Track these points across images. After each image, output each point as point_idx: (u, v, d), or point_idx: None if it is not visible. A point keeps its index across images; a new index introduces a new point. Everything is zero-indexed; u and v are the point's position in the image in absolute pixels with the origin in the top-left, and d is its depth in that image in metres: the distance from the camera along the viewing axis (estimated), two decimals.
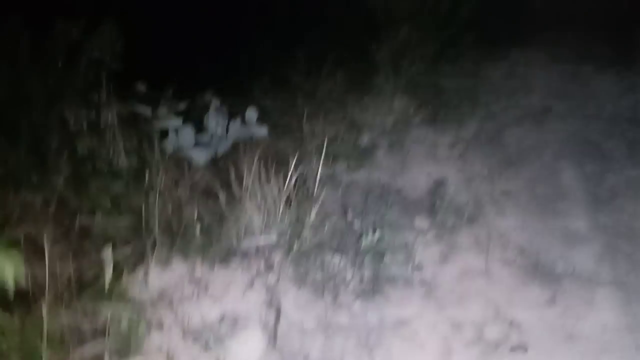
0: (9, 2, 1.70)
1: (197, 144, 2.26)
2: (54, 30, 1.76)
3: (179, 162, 2.24)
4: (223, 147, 2.31)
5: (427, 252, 1.84)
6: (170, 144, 2.18)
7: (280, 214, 1.66)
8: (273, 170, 1.75)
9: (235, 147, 2.42)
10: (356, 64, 3.06)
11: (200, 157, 2.23)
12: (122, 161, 2.01)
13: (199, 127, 2.29)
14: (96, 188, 1.72)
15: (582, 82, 2.96)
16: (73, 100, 1.74)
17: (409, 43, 2.77)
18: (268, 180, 1.70)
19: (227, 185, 1.78)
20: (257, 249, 1.60)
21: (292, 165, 1.75)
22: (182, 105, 2.24)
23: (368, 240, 1.81)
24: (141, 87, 2.40)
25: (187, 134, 2.21)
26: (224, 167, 2.27)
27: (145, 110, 2.03)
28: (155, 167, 2.03)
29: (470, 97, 2.79)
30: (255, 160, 1.76)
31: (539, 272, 1.75)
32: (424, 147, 2.46)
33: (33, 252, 1.51)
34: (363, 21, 2.95)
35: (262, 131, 2.40)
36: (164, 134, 2.19)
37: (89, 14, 1.78)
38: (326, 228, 1.74)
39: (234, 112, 2.70)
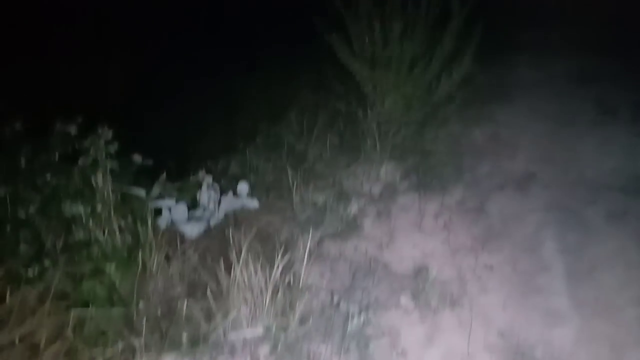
0: (11, 106, 1.81)
1: (189, 218, 2.33)
2: (53, 130, 1.87)
3: (172, 236, 2.31)
4: (215, 220, 2.39)
5: (411, 334, 1.89)
6: (163, 221, 2.26)
7: (267, 305, 1.73)
8: (260, 260, 1.82)
9: (227, 217, 2.51)
10: (345, 128, 3.19)
11: (192, 231, 2.31)
12: (117, 241, 2.08)
13: (192, 203, 2.37)
14: (90, 277, 1.79)
15: (565, 145, 3.06)
16: (70, 191, 1.82)
17: (395, 110, 2.89)
18: (255, 271, 1.77)
19: (215, 276, 1.84)
20: (244, 343, 1.65)
21: (280, 253, 1.83)
22: (176, 185, 2.33)
23: (354, 324, 1.87)
24: (137, 159, 2.48)
25: (180, 210, 2.29)
26: (215, 242, 2.35)
27: (139, 192, 2.12)
28: (148, 246, 2.11)
29: (455, 162, 2.89)
30: (244, 250, 1.82)
31: (519, 356, 1.80)
32: (410, 216, 2.54)
33: (29, 350, 1.57)
34: (352, 88, 3.07)
35: (253, 203, 2.48)
36: (158, 211, 2.27)
37: (86, 112, 1.89)
38: (312, 317, 1.80)
39: (228, 180, 2.80)
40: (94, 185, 1.84)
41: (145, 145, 3.13)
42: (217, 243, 2.33)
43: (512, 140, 3.14)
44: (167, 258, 2.18)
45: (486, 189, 2.70)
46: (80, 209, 1.76)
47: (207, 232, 2.42)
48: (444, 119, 3.10)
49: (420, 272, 2.17)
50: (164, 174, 2.25)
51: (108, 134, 1.88)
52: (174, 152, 3.29)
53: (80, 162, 1.84)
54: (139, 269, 2.06)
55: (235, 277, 1.75)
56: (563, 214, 2.52)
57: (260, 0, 4.60)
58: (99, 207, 1.84)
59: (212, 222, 2.39)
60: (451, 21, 2.74)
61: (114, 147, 1.90)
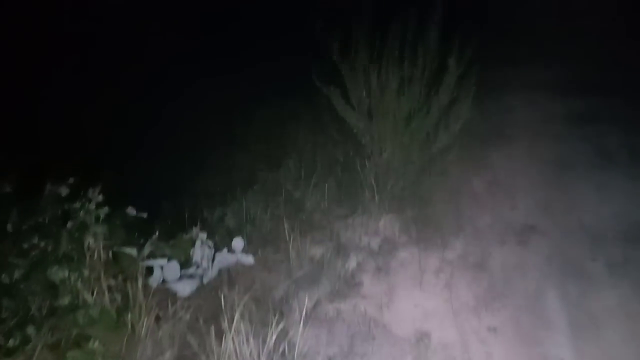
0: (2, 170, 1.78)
1: (182, 276, 2.26)
2: (43, 192, 1.83)
3: (164, 296, 2.23)
4: (208, 277, 2.32)
5: None
6: (155, 280, 2.18)
7: None
8: (254, 326, 1.74)
9: (221, 274, 2.43)
10: (343, 176, 3.16)
11: (185, 290, 2.23)
12: (106, 302, 2.01)
13: (185, 261, 2.30)
14: (75, 346, 1.70)
15: (564, 191, 3.03)
16: (58, 254, 1.76)
17: (394, 161, 2.86)
18: (248, 339, 1.69)
19: (205, 344, 1.75)
20: None
21: (275, 320, 1.75)
22: (168, 244, 2.26)
23: None
24: (131, 212, 2.43)
25: (173, 269, 2.22)
26: (208, 301, 2.27)
27: (131, 251, 2.05)
28: (137, 308, 2.03)
29: (455, 213, 2.84)
30: (237, 314, 1.75)
31: None
32: (410, 272, 2.46)
33: None
34: (349, 136, 3.06)
35: (248, 259, 2.41)
36: (150, 269, 2.20)
37: (78, 174, 1.86)
38: None
39: (224, 233, 2.75)
40: (84, 247, 1.78)
41: (142, 194, 3.10)
42: (209, 302, 2.25)
43: (511, 187, 3.10)
44: (157, 319, 2.10)
45: (487, 243, 2.64)
46: (66, 273, 1.69)
47: (200, 289, 2.34)
48: (442, 167, 3.08)
49: (421, 335, 2.08)
50: (157, 233, 2.19)
51: (98, 196, 1.84)
52: (170, 201, 3.26)
53: (69, 225, 1.79)
54: (128, 332, 1.98)
55: (227, 347, 1.67)
56: (565, 267, 2.46)
57: (260, 44, 4.69)
58: (87, 269, 1.77)
59: (206, 280, 2.31)
60: (448, 74, 2.75)
61: (104, 211, 1.85)
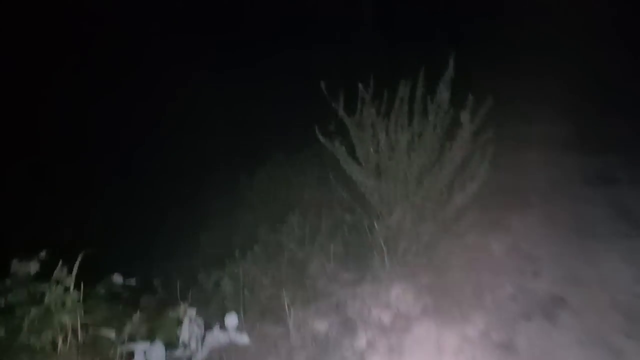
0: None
1: (167, 359, 2.00)
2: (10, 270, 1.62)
3: None
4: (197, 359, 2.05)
5: None
6: None
7: None
8: None
9: (211, 356, 2.16)
10: (350, 237, 2.93)
11: None
12: None
13: (171, 342, 2.04)
14: None
15: (590, 261, 2.75)
16: (21, 348, 1.52)
17: (405, 223, 2.63)
18: None
19: None
20: None
21: None
22: (152, 324, 2.01)
23: None
24: (117, 279, 2.22)
25: (157, 351, 1.95)
26: None
27: (109, 333, 1.81)
28: None
29: (473, 282, 2.57)
30: None
31: None
32: (427, 352, 2.18)
33: None
34: (357, 194, 2.86)
35: (242, 339, 2.15)
36: (131, 354, 1.94)
37: (55, 245, 1.66)
38: None
39: (218, 301, 2.52)
40: (51, 335, 1.54)
41: (134, 255, 2.89)
42: None
43: (532, 254, 2.84)
44: None
45: (511, 318, 2.36)
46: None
47: None
48: (458, 230, 2.84)
49: None
50: (138, 313, 1.95)
51: (68, 279, 1.62)
52: (164, 263, 3.04)
53: (33, 312, 1.56)
54: None
55: None
56: (600, 351, 2.16)
57: (266, 99, 4.62)
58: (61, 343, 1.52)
59: None
60: (462, 130, 2.57)
61: (74, 296, 1.62)
